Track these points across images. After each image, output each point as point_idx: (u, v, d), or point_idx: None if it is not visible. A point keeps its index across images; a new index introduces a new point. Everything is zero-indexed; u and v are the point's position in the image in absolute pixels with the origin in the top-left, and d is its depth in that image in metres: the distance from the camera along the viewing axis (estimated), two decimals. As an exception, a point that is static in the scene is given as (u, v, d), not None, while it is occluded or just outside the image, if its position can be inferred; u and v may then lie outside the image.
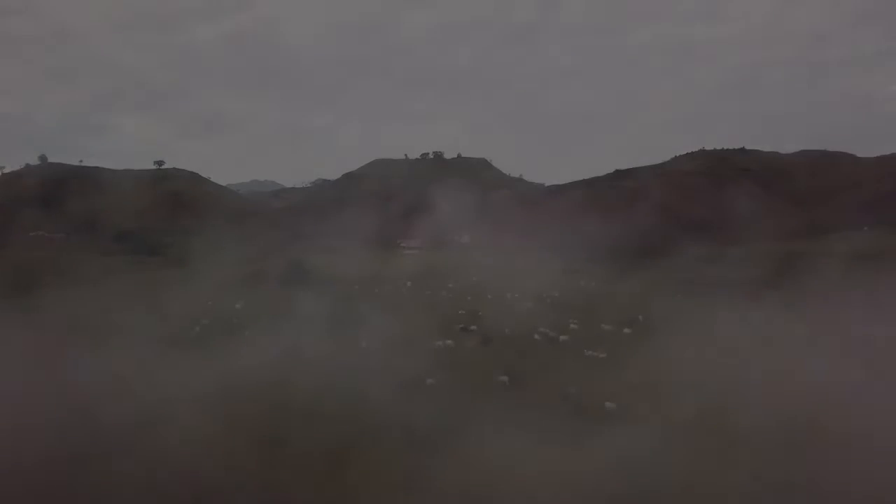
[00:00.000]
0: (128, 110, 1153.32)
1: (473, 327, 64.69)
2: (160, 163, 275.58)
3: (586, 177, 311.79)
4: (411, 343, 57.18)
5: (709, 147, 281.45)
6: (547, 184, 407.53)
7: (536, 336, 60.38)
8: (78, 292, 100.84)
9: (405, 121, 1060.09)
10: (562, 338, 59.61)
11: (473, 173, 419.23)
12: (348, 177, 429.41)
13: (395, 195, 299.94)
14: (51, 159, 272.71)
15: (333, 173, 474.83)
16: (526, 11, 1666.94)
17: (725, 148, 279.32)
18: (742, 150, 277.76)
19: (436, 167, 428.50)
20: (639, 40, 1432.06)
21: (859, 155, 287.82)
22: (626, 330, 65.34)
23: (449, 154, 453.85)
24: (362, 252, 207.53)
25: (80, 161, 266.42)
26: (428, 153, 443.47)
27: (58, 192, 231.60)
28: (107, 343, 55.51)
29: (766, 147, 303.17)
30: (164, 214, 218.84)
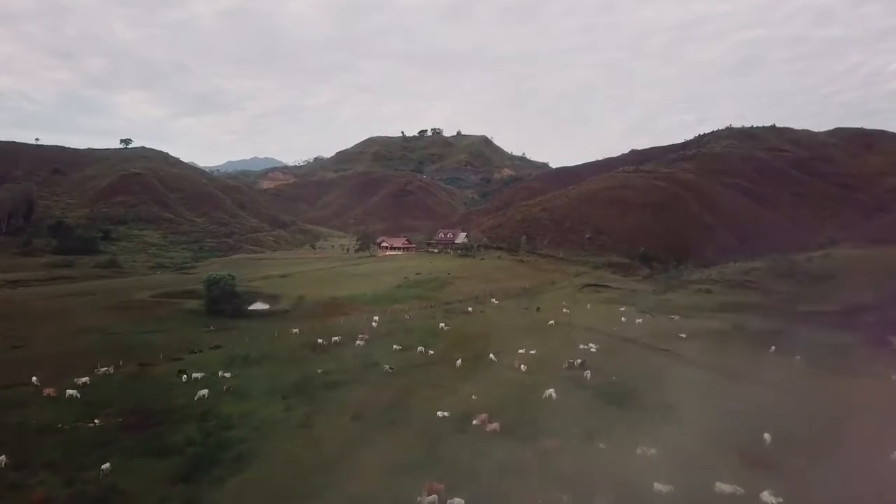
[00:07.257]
0: (125, 88, 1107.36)
1: (458, 501, 29.68)
2: (127, 141, 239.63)
3: (595, 158, 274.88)
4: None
5: (736, 125, 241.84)
6: (552, 164, 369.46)
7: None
8: None
9: (405, 98, 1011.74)
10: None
11: (474, 152, 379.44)
12: (342, 155, 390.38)
13: (384, 178, 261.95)
14: (44, 138, 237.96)
15: (332, 151, 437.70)
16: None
17: (755, 125, 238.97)
18: (773, 127, 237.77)
19: (433, 145, 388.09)
20: (641, 17, 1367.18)
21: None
22: (772, 499, 30.47)
23: (448, 132, 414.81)
24: (331, 252, 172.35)
25: (37, 140, 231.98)
26: (426, 130, 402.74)
27: (1, 174, 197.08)
28: None
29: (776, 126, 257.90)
30: (120, 200, 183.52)
